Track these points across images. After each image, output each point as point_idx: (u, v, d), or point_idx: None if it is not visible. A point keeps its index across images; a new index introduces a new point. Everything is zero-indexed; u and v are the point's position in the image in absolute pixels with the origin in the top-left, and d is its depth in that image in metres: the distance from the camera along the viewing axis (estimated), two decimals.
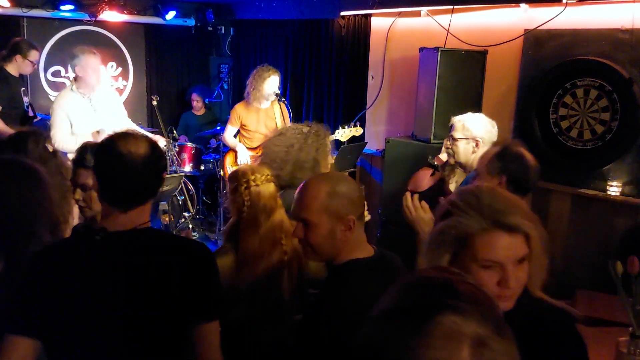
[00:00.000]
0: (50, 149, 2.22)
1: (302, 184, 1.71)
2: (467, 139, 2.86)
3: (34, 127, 3.48)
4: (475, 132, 2.86)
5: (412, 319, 0.76)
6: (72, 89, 4.20)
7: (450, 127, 2.98)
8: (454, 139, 2.91)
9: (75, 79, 4.22)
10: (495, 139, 2.88)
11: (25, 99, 4.87)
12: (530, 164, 2.27)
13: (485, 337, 0.75)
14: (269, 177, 2.24)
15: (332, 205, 1.62)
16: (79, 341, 1.49)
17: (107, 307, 1.48)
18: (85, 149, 2.19)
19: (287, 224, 2.21)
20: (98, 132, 3.97)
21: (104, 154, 1.54)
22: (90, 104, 4.19)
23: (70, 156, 2.32)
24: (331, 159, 2.83)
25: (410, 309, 0.78)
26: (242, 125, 4.83)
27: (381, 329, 0.79)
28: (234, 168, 4.69)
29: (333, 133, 4.47)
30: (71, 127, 4.10)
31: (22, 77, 4.92)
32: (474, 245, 1.24)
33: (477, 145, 2.85)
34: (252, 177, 2.19)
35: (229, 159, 5.03)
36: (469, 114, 3.00)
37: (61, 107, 4.11)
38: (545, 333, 1.31)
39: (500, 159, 2.25)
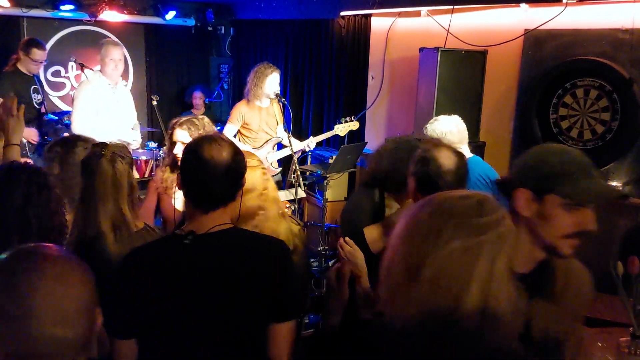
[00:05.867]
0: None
1: None
2: None
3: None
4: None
5: None
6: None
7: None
8: None
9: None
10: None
11: (37, 97, 4.90)
12: (442, 164, 1.96)
13: None
14: (254, 162, 2.27)
15: None
16: (171, 338, 1.55)
17: (198, 306, 1.54)
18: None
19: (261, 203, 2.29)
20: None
21: (192, 159, 1.58)
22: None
23: None
24: None
25: None
26: (244, 125, 4.77)
27: None
28: None
29: (332, 130, 4.48)
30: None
31: (35, 75, 4.96)
32: None
33: None
34: None
35: None
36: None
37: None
38: None
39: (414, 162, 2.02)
